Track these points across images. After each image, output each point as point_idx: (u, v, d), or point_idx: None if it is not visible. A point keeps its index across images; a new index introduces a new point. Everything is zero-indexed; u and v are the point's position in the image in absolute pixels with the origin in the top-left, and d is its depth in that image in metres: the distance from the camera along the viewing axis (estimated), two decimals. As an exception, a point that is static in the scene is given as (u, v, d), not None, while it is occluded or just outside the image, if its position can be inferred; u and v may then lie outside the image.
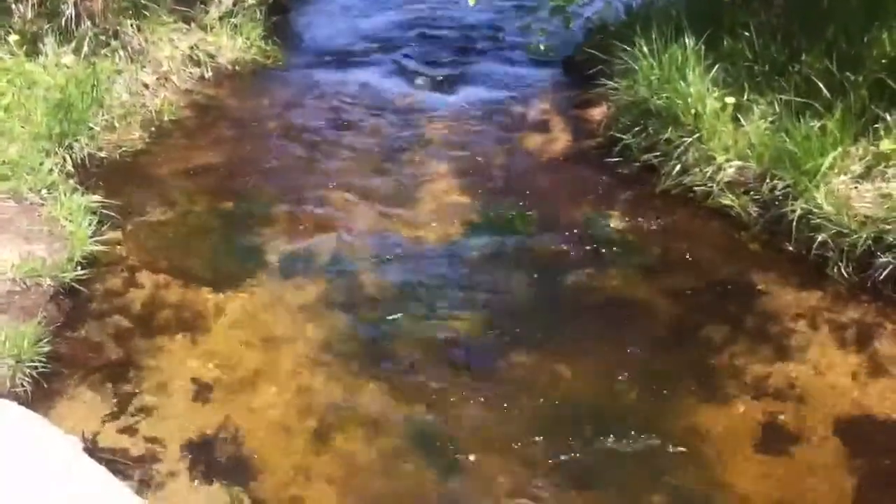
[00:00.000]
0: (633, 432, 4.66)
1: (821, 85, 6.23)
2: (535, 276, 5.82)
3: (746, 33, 6.93)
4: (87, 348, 5.17)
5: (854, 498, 4.26)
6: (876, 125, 5.96)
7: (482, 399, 4.89)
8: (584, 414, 4.78)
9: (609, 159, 6.93)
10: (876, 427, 4.59)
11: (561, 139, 7.42)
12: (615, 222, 6.29)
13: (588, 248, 6.05)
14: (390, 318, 5.47)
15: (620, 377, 5.00)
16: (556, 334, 5.34)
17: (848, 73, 6.25)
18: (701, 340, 5.23)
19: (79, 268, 5.59)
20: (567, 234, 6.20)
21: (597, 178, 6.84)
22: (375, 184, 6.82)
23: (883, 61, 6.23)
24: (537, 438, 4.65)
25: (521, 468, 4.49)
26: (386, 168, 7.06)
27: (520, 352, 5.21)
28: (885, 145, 5.79)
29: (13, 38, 7.21)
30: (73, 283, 5.50)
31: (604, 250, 6.03)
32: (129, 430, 4.63)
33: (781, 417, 4.68)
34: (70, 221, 5.85)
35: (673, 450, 4.55)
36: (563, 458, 4.54)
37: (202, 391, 4.89)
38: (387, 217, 6.42)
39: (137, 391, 4.88)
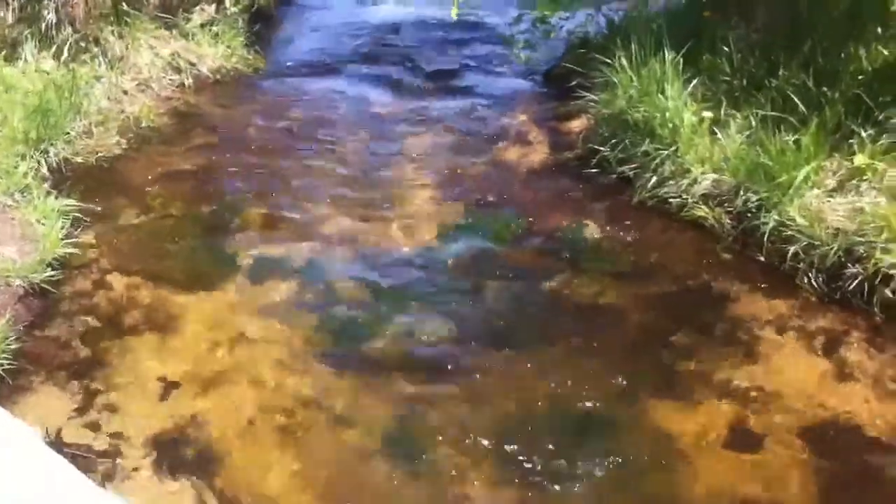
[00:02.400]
0: (603, 436, 4.65)
1: (797, 100, 6.28)
2: (510, 282, 5.82)
3: (725, 48, 6.99)
4: (55, 347, 5.13)
5: (820, 500, 4.25)
6: (850, 140, 6.00)
7: (452, 401, 4.87)
8: (554, 417, 4.76)
9: (587, 170, 6.97)
10: (841, 431, 4.58)
11: (540, 150, 7.45)
12: (591, 232, 6.30)
13: (563, 256, 6.07)
14: (362, 321, 5.45)
15: (592, 382, 4.98)
16: (529, 339, 5.32)
17: (824, 89, 6.30)
18: (672, 346, 5.22)
19: (49, 269, 5.56)
20: (543, 242, 6.23)
21: (574, 188, 6.88)
22: (352, 191, 6.83)
23: (859, 77, 6.28)
24: (507, 441, 4.61)
25: (490, 471, 4.46)
26: (363, 175, 7.08)
27: (492, 356, 5.19)
28: (859, 160, 5.82)
29: (-8, 42, 7.22)
30: (44, 284, 5.47)
31: (579, 259, 6.04)
32: (94, 426, 4.58)
33: (749, 421, 4.66)
34: (43, 224, 5.84)
35: (642, 453, 4.53)
36: (532, 460, 4.51)
37: (169, 389, 4.85)
38: (363, 223, 6.42)
39: (103, 389, 4.83)
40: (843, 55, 6.52)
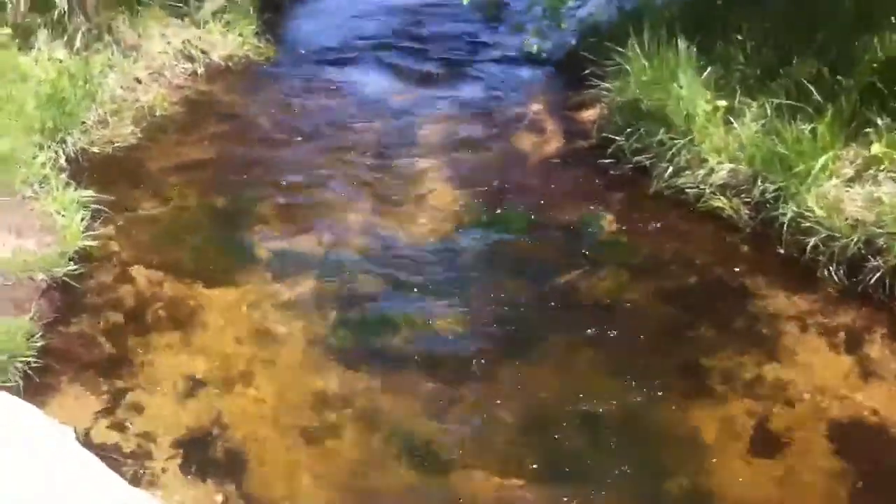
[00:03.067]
0: (622, 433, 4.66)
1: (812, 89, 6.25)
2: (527, 275, 5.84)
3: (739, 36, 6.96)
4: (80, 343, 5.15)
5: (844, 501, 4.26)
6: (867, 129, 5.98)
7: (472, 398, 4.90)
8: (575, 416, 4.77)
9: (602, 160, 6.94)
10: (865, 430, 4.58)
11: (554, 140, 7.44)
12: (608, 223, 6.31)
13: (581, 248, 6.07)
14: (382, 315, 5.47)
15: (610, 377, 5.00)
16: (547, 334, 5.34)
17: (839, 78, 6.28)
18: (692, 341, 5.23)
19: (71, 262, 5.56)
20: (560, 234, 6.24)
21: (590, 178, 6.87)
22: (368, 181, 6.83)
23: (874, 66, 6.25)
24: (526, 438, 4.65)
25: (509, 468, 4.48)
26: (378, 166, 7.06)
27: (511, 350, 5.20)
28: (876, 149, 5.81)
29: (5, 31, 7.17)
30: (66, 278, 5.48)
31: (596, 251, 6.04)
32: (121, 426, 4.61)
33: (772, 419, 4.67)
34: (62, 216, 5.83)
35: (663, 453, 4.54)
36: (551, 458, 4.53)
37: (195, 387, 4.88)
38: (379, 215, 6.43)
39: (129, 387, 4.86)
40: (856, 43, 6.49)
